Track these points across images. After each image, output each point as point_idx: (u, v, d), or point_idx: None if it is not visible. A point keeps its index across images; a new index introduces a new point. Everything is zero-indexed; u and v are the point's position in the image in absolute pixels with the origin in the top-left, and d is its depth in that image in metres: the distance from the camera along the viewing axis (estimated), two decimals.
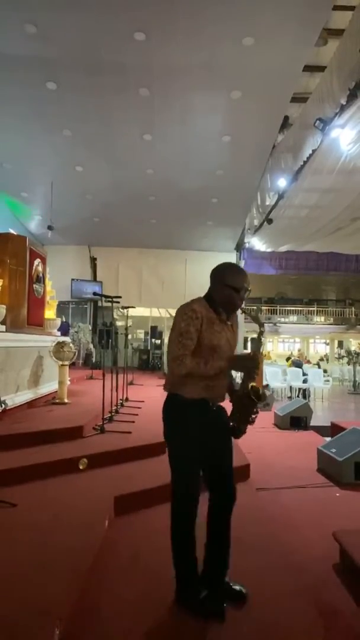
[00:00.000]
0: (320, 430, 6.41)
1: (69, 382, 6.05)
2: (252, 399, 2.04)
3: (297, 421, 6.53)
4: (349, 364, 15.91)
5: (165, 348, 14.09)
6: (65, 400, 5.65)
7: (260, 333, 2.12)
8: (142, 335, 15.78)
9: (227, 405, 2.18)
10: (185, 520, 2.06)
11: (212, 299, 2.06)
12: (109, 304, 5.39)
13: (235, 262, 14.36)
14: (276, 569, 2.41)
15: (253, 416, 2.09)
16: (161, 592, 2.15)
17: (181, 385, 2.04)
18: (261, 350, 2.08)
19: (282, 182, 8.82)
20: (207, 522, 2.12)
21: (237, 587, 2.09)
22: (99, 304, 13.09)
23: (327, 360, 23.47)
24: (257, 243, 13.01)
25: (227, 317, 2.08)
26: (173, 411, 2.08)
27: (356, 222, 9.70)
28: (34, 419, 4.65)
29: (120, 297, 5.39)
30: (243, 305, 2.11)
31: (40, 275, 6.04)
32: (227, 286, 2.02)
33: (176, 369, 1.97)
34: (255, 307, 2.33)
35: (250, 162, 8.93)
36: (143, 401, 6.48)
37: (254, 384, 2.04)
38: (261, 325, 2.10)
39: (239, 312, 2.17)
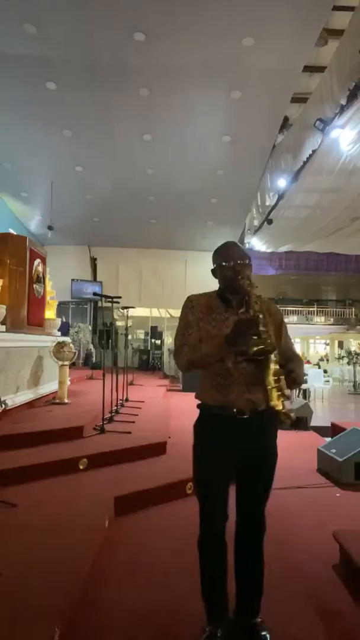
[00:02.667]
0: (320, 431, 6.41)
1: (69, 382, 6.04)
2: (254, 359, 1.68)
3: (297, 421, 6.53)
4: (349, 364, 15.89)
5: (165, 348, 14.09)
6: (65, 401, 5.65)
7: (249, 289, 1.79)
8: (142, 336, 15.78)
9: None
10: (204, 554, 1.82)
11: (220, 288, 1.91)
12: (109, 304, 5.39)
13: None
14: (276, 569, 2.41)
15: (276, 386, 1.68)
16: (161, 592, 2.15)
17: (199, 389, 1.87)
18: (258, 314, 1.73)
19: (282, 182, 8.83)
20: (234, 546, 1.87)
21: (263, 633, 1.80)
22: (99, 304, 13.09)
23: (327, 360, 23.47)
24: (257, 243, 13.01)
25: (240, 304, 1.83)
26: (196, 422, 1.88)
27: (356, 222, 9.71)
28: (34, 419, 4.65)
29: (120, 297, 5.39)
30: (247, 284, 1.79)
31: (40, 275, 6.04)
32: (218, 266, 1.86)
33: (177, 361, 1.84)
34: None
35: (250, 162, 8.93)
36: (143, 401, 6.48)
37: (261, 346, 1.65)
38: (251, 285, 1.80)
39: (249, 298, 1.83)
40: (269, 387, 1.68)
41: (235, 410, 1.74)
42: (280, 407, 1.68)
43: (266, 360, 1.68)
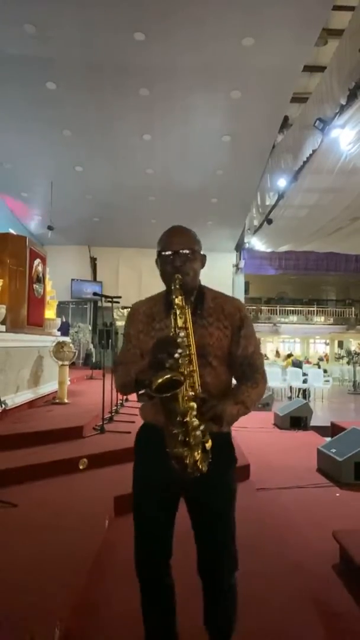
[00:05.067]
0: (320, 430, 6.41)
1: (69, 382, 6.05)
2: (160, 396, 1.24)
3: (297, 421, 6.53)
4: (348, 364, 15.90)
5: None
6: (65, 400, 5.65)
7: (177, 287, 1.38)
8: None
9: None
10: (142, 596, 1.53)
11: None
12: (109, 304, 5.40)
13: (235, 262, 14.45)
14: (276, 569, 2.41)
15: (181, 430, 1.27)
16: None
17: (141, 407, 1.57)
18: (183, 326, 1.35)
19: (282, 182, 8.84)
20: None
21: None
22: (99, 304, 13.09)
23: (327, 360, 23.48)
24: (257, 243, 13.03)
25: (193, 305, 1.46)
26: (134, 442, 1.58)
27: (356, 222, 9.71)
28: (34, 419, 4.65)
29: (120, 297, 5.40)
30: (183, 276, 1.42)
31: (40, 275, 6.04)
32: (157, 257, 1.49)
33: (115, 383, 1.54)
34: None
35: (250, 162, 8.92)
36: None
37: (168, 374, 1.24)
38: (176, 279, 1.39)
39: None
40: (173, 429, 1.27)
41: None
42: (184, 458, 1.27)
43: (174, 395, 1.25)
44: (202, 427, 1.27)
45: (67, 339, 6.63)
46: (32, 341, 5.48)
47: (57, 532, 2.50)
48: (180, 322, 1.34)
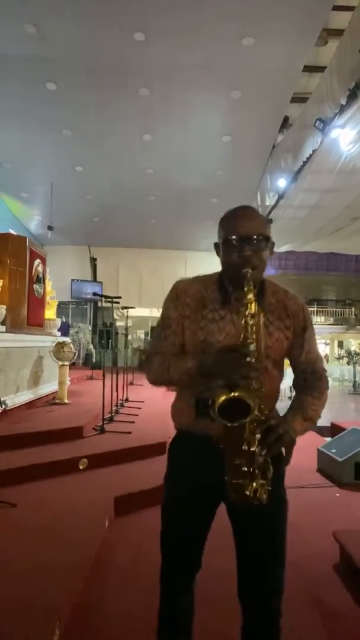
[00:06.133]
0: (320, 430, 6.40)
1: (69, 382, 6.05)
2: (223, 421, 1.07)
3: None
4: (348, 364, 15.89)
5: None
6: (65, 401, 5.65)
7: (250, 287, 1.15)
8: (142, 336, 15.79)
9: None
10: (163, 609, 1.39)
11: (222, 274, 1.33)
12: (109, 304, 5.40)
13: None
14: None
15: (242, 465, 1.11)
16: None
17: (174, 407, 1.37)
18: (256, 336, 1.12)
19: (282, 182, 8.85)
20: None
21: None
22: (99, 304, 13.11)
23: (327, 360, 23.47)
24: None
25: (246, 297, 1.15)
26: (168, 450, 1.40)
27: (356, 222, 9.72)
28: (34, 419, 4.65)
29: (120, 297, 5.40)
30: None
31: (40, 275, 6.04)
32: (220, 245, 1.29)
33: (146, 374, 1.34)
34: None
35: (250, 162, 8.93)
36: (143, 401, 6.48)
37: (236, 393, 1.06)
38: (247, 282, 1.15)
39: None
40: (236, 460, 1.11)
41: (217, 440, 1.19)
42: (245, 489, 1.12)
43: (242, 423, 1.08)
44: (264, 453, 1.11)
45: (67, 339, 6.63)
46: (32, 341, 5.48)
47: (57, 532, 2.49)
48: (248, 330, 1.12)
